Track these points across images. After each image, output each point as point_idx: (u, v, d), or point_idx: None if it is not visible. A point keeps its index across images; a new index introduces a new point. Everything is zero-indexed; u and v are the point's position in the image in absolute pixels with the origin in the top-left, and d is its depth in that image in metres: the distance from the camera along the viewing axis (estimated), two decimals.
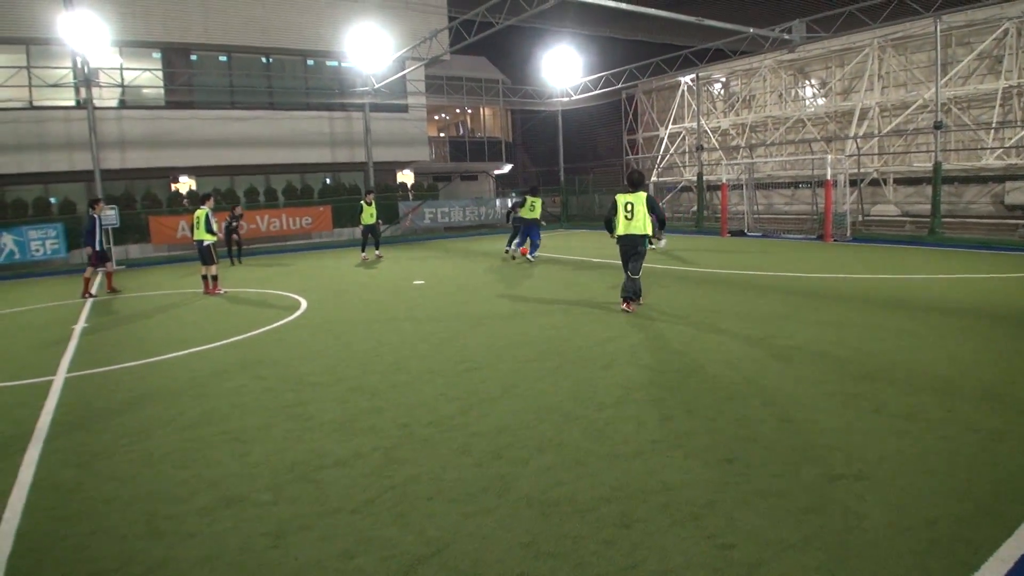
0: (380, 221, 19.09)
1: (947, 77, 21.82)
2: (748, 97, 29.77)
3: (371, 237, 18.43)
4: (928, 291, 10.33)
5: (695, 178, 27.04)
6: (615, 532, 3.48)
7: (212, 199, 13.57)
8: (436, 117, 38.65)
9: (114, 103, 22.87)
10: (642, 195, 9.32)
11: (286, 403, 5.86)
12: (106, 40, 20.55)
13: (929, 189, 20.27)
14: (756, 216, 24.46)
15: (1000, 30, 20.87)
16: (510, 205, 19.63)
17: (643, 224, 9.26)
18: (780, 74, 28.09)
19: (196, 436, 5.14)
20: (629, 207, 9.30)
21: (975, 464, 4.16)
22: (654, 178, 32.90)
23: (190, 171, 25.04)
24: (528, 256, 16.70)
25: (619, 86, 28.42)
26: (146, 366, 7.47)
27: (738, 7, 23.29)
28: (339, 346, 8.03)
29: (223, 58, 24.88)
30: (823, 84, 27.13)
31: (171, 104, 23.76)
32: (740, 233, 22.10)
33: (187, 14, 23.14)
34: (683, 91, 31.83)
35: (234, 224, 18.83)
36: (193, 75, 24.28)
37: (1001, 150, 20.92)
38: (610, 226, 9.51)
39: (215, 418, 5.53)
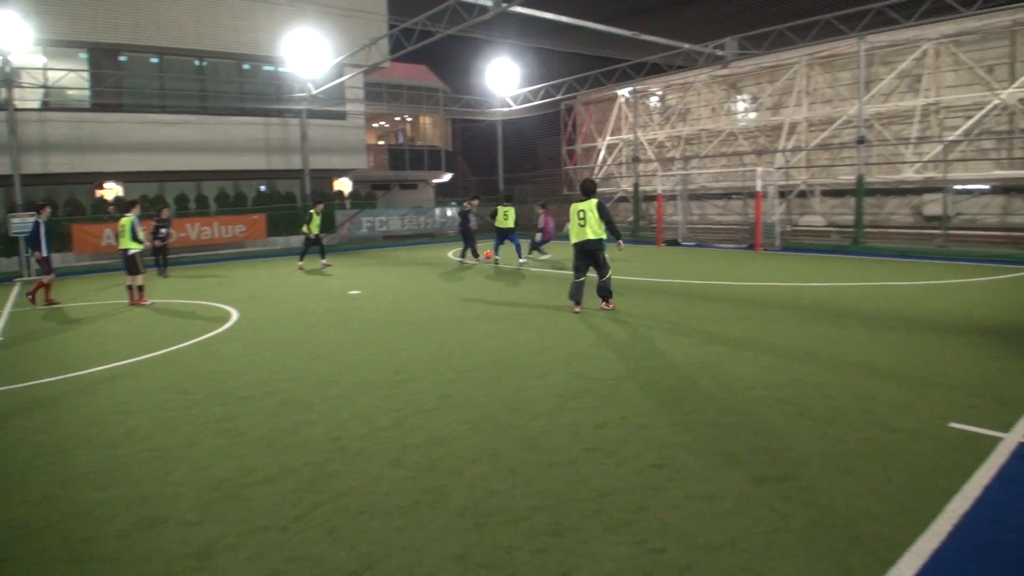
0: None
1: (870, 94, 22.82)
2: (683, 110, 30.49)
3: (316, 247, 18.02)
4: (851, 298, 10.74)
5: (631, 189, 27.51)
6: (548, 540, 3.49)
7: (138, 206, 13.07)
8: (375, 125, 38.33)
9: (36, 104, 21.89)
10: (593, 202, 9.72)
11: (214, 418, 5.68)
12: (29, 39, 19.67)
13: (853, 201, 21.12)
14: (690, 226, 25.04)
15: (919, 51, 21.96)
16: (460, 213, 19.74)
17: (597, 230, 9.68)
18: (714, 88, 28.87)
19: (117, 455, 4.94)
20: (582, 215, 9.75)
21: (892, 464, 4.34)
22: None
23: (117, 177, 24.12)
24: (520, 260, 17.26)
25: (558, 97, 28.73)
26: (65, 382, 7.14)
27: (674, 23, 23.84)
28: (271, 358, 7.84)
29: (154, 60, 24.12)
30: (754, 99, 28.00)
31: (98, 107, 22.86)
32: (675, 243, 22.57)
33: (117, 14, 22.32)
34: (620, 104, 32.40)
35: (162, 231, 17.77)
36: (122, 77, 23.45)
37: (919, 164, 21.97)
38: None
39: (138, 436, 5.33)
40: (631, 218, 28.29)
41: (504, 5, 15.35)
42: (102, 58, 23.04)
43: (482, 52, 31.82)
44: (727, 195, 27.91)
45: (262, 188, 27.47)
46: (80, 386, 6.93)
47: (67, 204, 22.54)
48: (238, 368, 7.40)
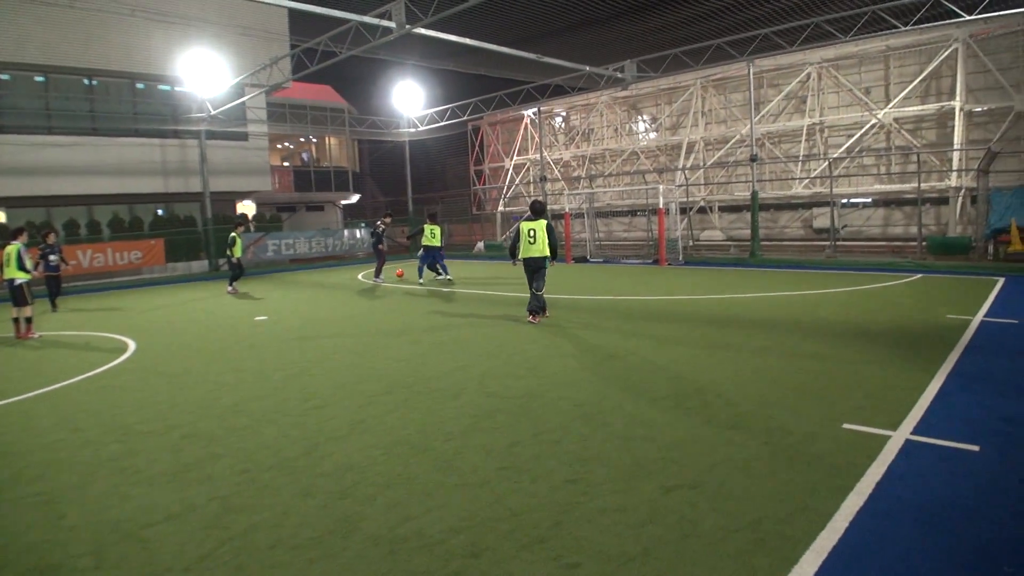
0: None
1: (760, 115, 24.09)
2: (587, 130, 31.28)
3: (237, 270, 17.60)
4: (748, 308, 11.24)
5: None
6: (464, 563, 3.47)
7: (25, 233, 12.34)
8: (279, 146, 37.47)
9: None
10: (543, 222, 10.64)
11: (110, 456, 5.37)
12: None
13: (749, 216, 22.16)
14: (598, 243, 25.61)
15: (804, 74, 23.38)
16: (372, 234, 20.01)
17: (543, 248, 10.58)
18: (616, 109, 29.77)
19: (2, 500, 4.59)
20: (532, 233, 10.60)
21: (792, 466, 4.55)
22: (500, 207, 33.64)
23: None
24: (438, 277, 17.73)
25: (464, 118, 28.93)
26: None
27: (575, 47, 24.46)
28: (171, 390, 7.48)
29: (39, 79, 22.77)
30: (654, 119, 29.04)
31: None
32: (583, 259, 23.02)
33: None
34: (526, 124, 32.94)
35: (51, 258, 15.77)
36: (3, 96, 22.01)
37: (808, 180, 23.31)
38: (513, 251, 10.93)
39: (25, 479, 4.97)
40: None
41: (407, 27, 15.37)
42: None
43: (387, 73, 31.74)
44: (632, 212, 28.75)
45: (159, 212, 26.31)
46: None
47: None
48: (136, 402, 7.03)
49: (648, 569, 3.35)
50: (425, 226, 17.42)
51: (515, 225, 10.21)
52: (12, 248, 11.76)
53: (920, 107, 21.19)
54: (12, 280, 11.61)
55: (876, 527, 3.70)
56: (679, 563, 3.39)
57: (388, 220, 19.33)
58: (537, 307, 10.77)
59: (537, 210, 10.79)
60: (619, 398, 6.32)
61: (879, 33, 17.72)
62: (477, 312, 12.30)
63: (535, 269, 10.69)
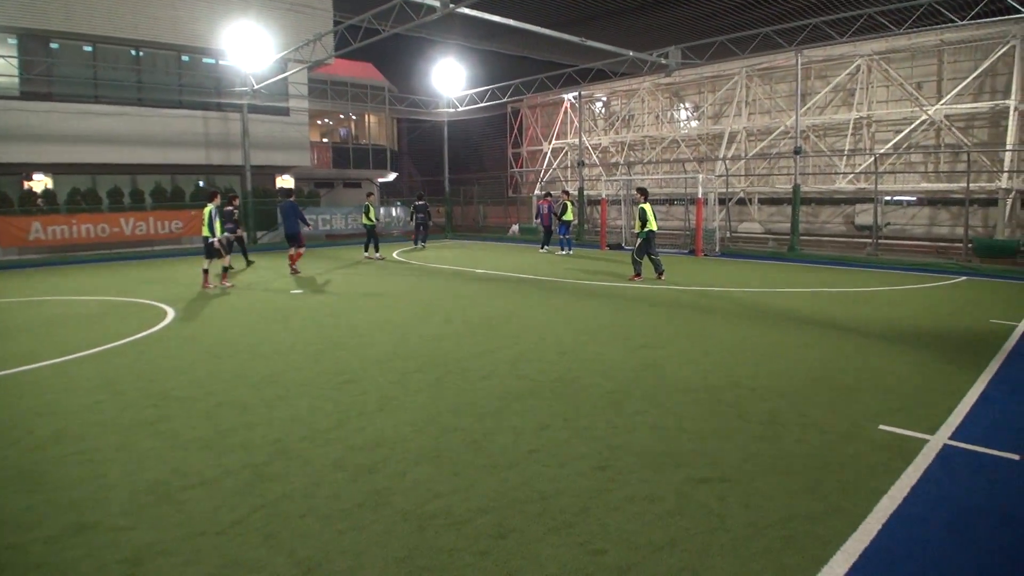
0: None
1: (806, 107, 23.60)
2: (627, 116, 30.96)
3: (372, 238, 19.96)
4: (786, 303, 11.07)
5: (576, 192, 27.78)
6: (491, 543, 3.49)
7: (218, 196, 13.69)
8: (319, 122, 37.70)
9: None
10: (648, 205, 13.88)
11: (148, 420, 5.50)
12: None
13: (789, 209, 21.78)
14: (633, 231, 25.38)
15: (853, 66, 22.82)
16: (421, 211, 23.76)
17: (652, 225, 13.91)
18: (657, 96, 29.40)
19: (45, 457, 4.73)
20: (643, 212, 13.77)
21: (825, 465, 4.49)
22: (536, 191, 33.53)
23: (46, 168, 23.09)
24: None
25: (505, 100, 28.81)
26: None
27: (619, 31, 24.18)
28: (208, 358, 7.63)
29: (87, 48, 23.18)
30: (696, 108, 28.63)
31: (27, 95, 21.85)
32: (618, 247, 22.86)
33: None
34: (566, 108, 32.71)
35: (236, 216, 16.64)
36: (53, 64, 22.47)
37: (852, 175, 22.82)
38: (644, 223, 13.87)
39: (67, 437, 5.11)
40: (576, 222, 28.54)
41: (451, 6, 15.31)
42: (32, 44, 22.04)
43: (429, 52, 31.71)
44: (669, 201, 28.43)
45: (200, 183, 26.71)
46: (5, 386, 6.61)
47: None
48: (173, 368, 7.18)
49: (674, 560, 3.34)
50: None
51: (641, 207, 13.98)
52: (206, 210, 13.20)
53: (973, 105, 20.56)
54: (206, 238, 13.22)
55: (909, 532, 3.63)
56: (706, 556, 3.37)
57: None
58: (659, 268, 14.21)
59: (646, 193, 14.27)
60: (651, 387, 6.28)
61: (934, 27, 17.19)
62: (509, 294, 12.31)
63: (650, 240, 13.97)
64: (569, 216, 21.30)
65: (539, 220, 23.24)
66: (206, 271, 13.58)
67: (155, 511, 3.89)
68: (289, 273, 15.88)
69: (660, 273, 14.14)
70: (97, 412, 5.71)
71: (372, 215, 19.69)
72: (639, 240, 14.06)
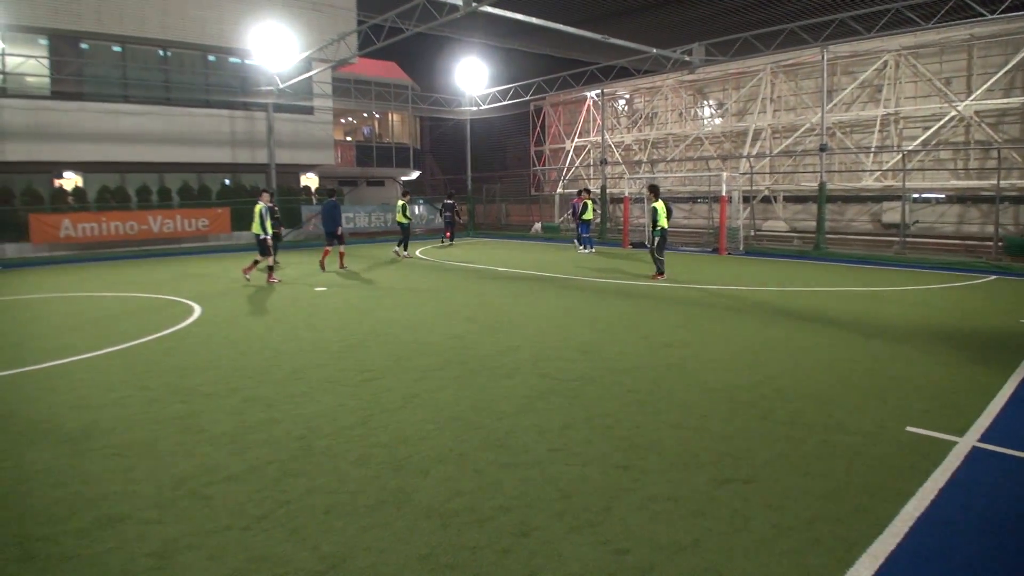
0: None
1: (832, 103, 23.29)
2: (650, 114, 30.78)
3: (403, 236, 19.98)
4: (812, 302, 10.96)
5: (599, 190, 27.71)
6: (513, 541, 3.50)
7: (266, 194, 14.03)
8: (343, 120, 37.96)
9: None
10: (663, 202, 14.07)
11: (175, 415, 5.59)
12: None
13: (815, 207, 21.53)
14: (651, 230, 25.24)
15: (880, 62, 22.48)
16: (450, 209, 24.50)
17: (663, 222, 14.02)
18: (681, 93, 29.19)
19: (75, 451, 4.82)
20: (663, 209, 13.93)
21: (851, 466, 4.44)
22: (559, 189, 33.47)
23: (76, 167, 23.54)
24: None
25: (527, 98, 28.78)
26: (21, 375, 6.95)
27: (642, 28, 24.08)
28: (234, 355, 7.73)
29: (117, 48, 23.56)
30: (720, 105, 28.38)
31: (57, 95, 22.27)
32: (641, 245, 22.74)
33: (79, 0, 21.77)
34: (589, 106, 32.60)
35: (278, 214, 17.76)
36: (83, 65, 22.86)
37: (879, 173, 22.49)
38: (655, 223, 14.05)
39: (96, 432, 5.21)
40: (598, 220, 28.46)
41: (474, 5, 15.33)
42: (62, 45, 22.46)
43: (451, 50, 31.77)
44: (693, 199, 28.24)
45: (226, 182, 27.03)
46: (35, 380, 6.75)
47: (24, 193, 21.93)
48: (200, 364, 7.28)
49: (698, 560, 3.32)
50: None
51: (652, 205, 14.25)
52: (257, 208, 13.63)
53: (1004, 100, 20.16)
54: (257, 235, 13.70)
55: (937, 535, 3.59)
56: (730, 557, 3.36)
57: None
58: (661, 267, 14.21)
59: (658, 191, 14.45)
60: (674, 387, 6.26)
61: (964, 21, 16.88)
62: (532, 293, 12.31)
63: (667, 237, 14.26)
64: (589, 215, 21.30)
65: (572, 217, 23.21)
66: (271, 268, 14.25)
67: (182, 505, 3.96)
68: (320, 270, 16.19)
69: (661, 273, 14.20)
70: (126, 407, 5.81)
71: (407, 213, 19.87)
72: (656, 239, 14.16)
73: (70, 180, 23.88)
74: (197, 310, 10.76)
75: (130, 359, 7.57)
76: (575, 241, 22.36)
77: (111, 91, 23.35)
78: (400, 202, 20.05)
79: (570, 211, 21.88)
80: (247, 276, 14.25)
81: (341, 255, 16.72)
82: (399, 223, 19.94)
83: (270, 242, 13.84)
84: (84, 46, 22.94)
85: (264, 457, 4.66)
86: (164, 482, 4.28)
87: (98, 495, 4.11)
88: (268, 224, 13.59)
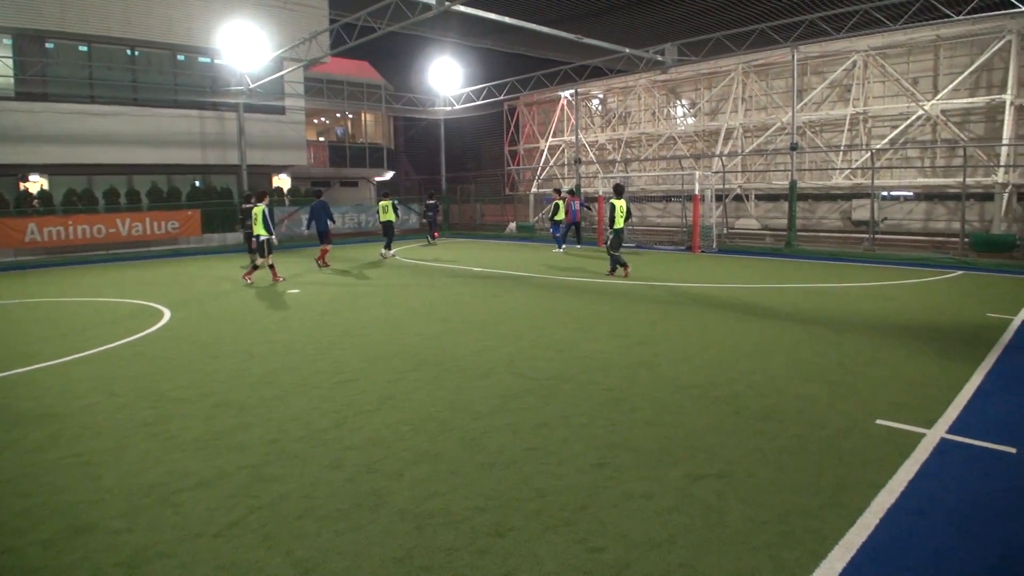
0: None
1: (802, 103, 23.58)
2: (624, 114, 30.93)
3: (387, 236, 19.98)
4: (783, 299, 11.07)
5: (574, 190, 27.77)
6: (489, 541, 3.49)
7: (268, 197, 14.41)
8: (315, 121, 37.62)
9: None
10: (624, 201, 14.18)
11: (144, 421, 5.49)
12: None
13: (786, 205, 21.78)
14: (631, 228, 25.38)
15: (849, 62, 22.81)
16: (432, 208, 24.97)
17: (623, 220, 14.23)
18: (654, 93, 29.38)
19: (41, 460, 4.72)
20: (620, 208, 14.03)
21: (823, 460, 4.49)
22: (534, 189, 33.51)
23: (42, 169, 23.03)
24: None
25: (501, 98, 28.76)
26: None
27: (614, 28, 24.15)
28: (205, 359, 7.62)
29: (83, 48, 23.09)
30: (693, 104, 28.61)
31: (22, 95, 21.77)
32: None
33: None
34: (563, 105, 32.68)
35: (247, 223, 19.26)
36: (48, 65, 22.38)
37: (848, 171, 22.82)
38: (611, 223, 14.10)
39: (63, 440, 5.10)
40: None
41: (447, 3, 15.28)
42: (27, 44, 21.97)
43: (425, 50, 31.65)
44: (666, 198, 28.43)
45: (197, 183, 26.66)
46: (2, 389, 6.59)
47: None
48: (170, 369, 7.17)
49: (673, 557, 3.33)
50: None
51: (611, 202, 14.25)
52: (260, 209, 13.90)
53: (969, 99, 20.56)
54: (259, 236, 13.99)
55: (907, 525, 3.64)
56: (704, 552, 3.37)
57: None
58: (622, 263, 14.22)
59: (620, 191, 14.37)
60: (648, 385, 6.28)
61: (930, 22, 17.18)
62: (507, 292, 12.30)
63: (620, 235, 14.23)
64: (561, 216, 21.42)
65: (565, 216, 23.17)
66: (272, 266, 14.39)
67: (152, 513, 3.88)
68: (318, 268, 16.85)
69: (613, 271, 14.49)
70: (94, 414, 5.70)
71: (395, 212, 19.99)
72: (610, 236, 14.28)
73: (35, 183, 23.36)
74: (167, 314, 10.59)
75: (98, 365, 7.43)
76: (578, 242, 22.73)
77: (77, 91, 22.88)
78: (384, 202, 20.05)
79: (567, 211, 21.88)
80: (278, 280, 14.33)
81: (323, 253, 17.07)
82: (387, 222, 19.87)
83: (275, 242, 14.22)
84: (49, 45, 22.46)
85: (235, 462, 4.59)
86: (133, 490, 4.20)
87: (65, 504, 4.02)
88: (271, 225, 13.97)
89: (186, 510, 3.91)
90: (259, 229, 13.86)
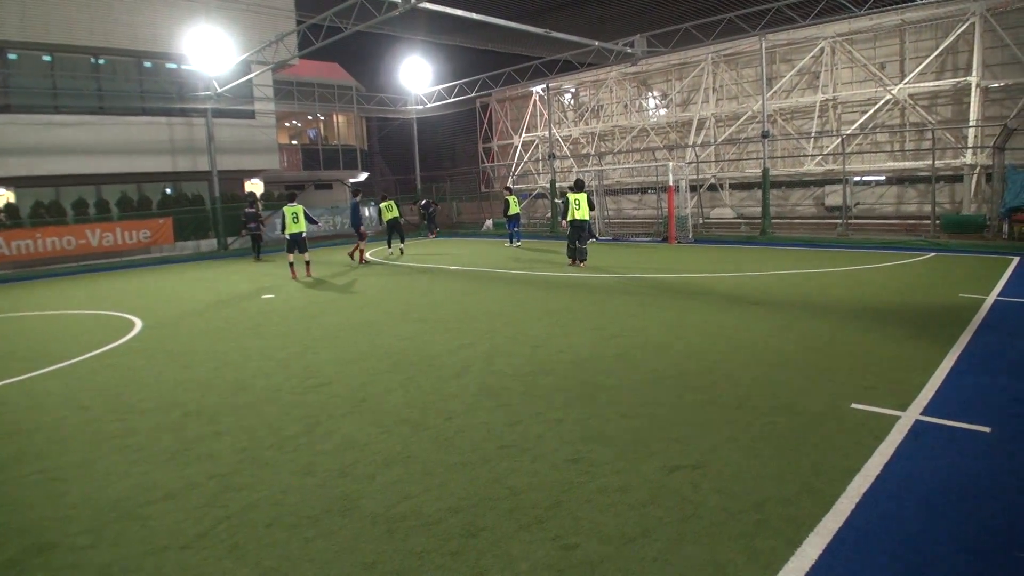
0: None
1: (772, 91, 23.72)
2: (596, 107, 30.96)
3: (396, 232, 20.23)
4: (759, 287, 11.12)
5: (548, 185, 27.77)
6: (462, 542, 3.43)
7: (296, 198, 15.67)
8: (287, 124, 37.30)
9: None
10: (584, 195, 15.07)
11: (112, 434, 5.37)
12: None
13: (760, 193, 21.91)
14: (607, 221, 25.43)
15: (817, 49, 22.98)
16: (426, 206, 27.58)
17: (586, 212, 14.99)
18: (625, 86, 29.42)
19: (6, 478, 4.59)
20: (578, 202, 14.82)
21: (798, 447, 4.48)
22: (509, 184, 33.46)
23: (7, 182, 22.56)
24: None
25: (473, 95, 28.66)
26: None
27: (584, 21, 24.16)
28: (176, 369, 7.48)
29: (47, 58, 22.66)
30: (664, 96, 28.70)
31: None
32: (592, 237, 22.85)
33: (1, 8, 20.82)
34: (535, 101, 32.64)
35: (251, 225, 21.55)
36: (10, 75, 21.93)
37: (820, 157, 23.00)
38: (565, 213, 14.99)
39: (28, 456, 4.97)
40: (549, 214, 28.52)
41: (412, 1, 15.16)
42: None
43: (394, 49, 31.48)
44: (642, 189, 28.50)
45: (168, 191, 26.29)
46: None
47: None
48: (141, 380, 7.03)
49: (648, 550, 3.30)
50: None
51: (564, 196, 15.44)
52: (296, 209, 15.12)
53: (935, 83, 20.80)
54: (300, 232, 15.27)
55: (883, 509, 3.63)
56: (679, 544, 3.34)
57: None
58: (583, 256, 14.92)
59: (580, 185, 15.20)
60: (624, 377, 6.25)
61: (895, 7, 17.33)
62: (484, 289, 12.24)
63: (583, 228, 14.87)
64: (514, 210, 21.74)
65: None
66: (308, 262, 15.72)
67: (117, 528, 3.79)
68: (359, 263, 18.01)
69: (573, 261, 15.19)
70: (60, 429, 5.56)
71: (397, 209, 20.04)
72: (566, 227, 15.24)
73: (1, 196, 22.91)
74: (139, 324, 10.41)
75: (66, 379, 7.27)
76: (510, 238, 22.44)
77: (42, 102, 22.43)
78: (385, 202, 20.23)
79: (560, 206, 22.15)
80: (309, 276, 15.50)
81: (361, 250, 18.30)
82: (393, 219, 19.78)
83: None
84: (11, 56, 22.01)
85: (204, 472, 4.49)
86: (99, 505, 4.09)
87: (29, 523, 3.91)
88: (305, 222, 15.17)
89: (153, 523, 3.82)
90: (301, 226, 15.09)
